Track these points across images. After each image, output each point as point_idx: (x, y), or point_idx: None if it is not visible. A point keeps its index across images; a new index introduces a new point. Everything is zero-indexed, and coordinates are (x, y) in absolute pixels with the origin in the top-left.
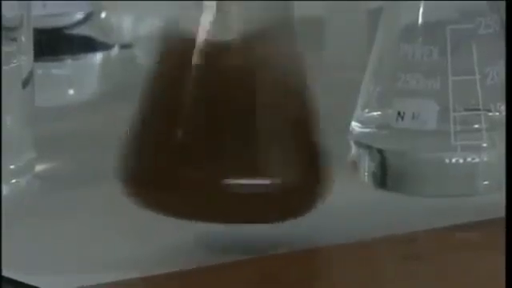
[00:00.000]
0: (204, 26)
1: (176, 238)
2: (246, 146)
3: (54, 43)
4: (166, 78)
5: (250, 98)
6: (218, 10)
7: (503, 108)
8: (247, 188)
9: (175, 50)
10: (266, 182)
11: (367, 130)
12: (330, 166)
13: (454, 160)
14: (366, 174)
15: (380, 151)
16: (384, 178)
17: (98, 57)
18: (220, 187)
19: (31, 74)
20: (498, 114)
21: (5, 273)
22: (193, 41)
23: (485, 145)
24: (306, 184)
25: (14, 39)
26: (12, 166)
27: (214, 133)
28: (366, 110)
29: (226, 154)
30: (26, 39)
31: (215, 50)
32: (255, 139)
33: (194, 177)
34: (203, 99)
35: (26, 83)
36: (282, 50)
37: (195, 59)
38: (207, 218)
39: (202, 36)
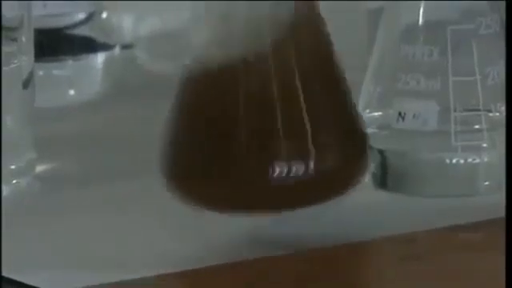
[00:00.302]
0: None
1: (179, 240)
2: (285, 133)
3: (54, 44)
4: (204, 79)
5: (287, 87)
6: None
7: (504, 108)
8: (287, 176)
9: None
10: (306, 167)
11: (368, 130)
12: (367, 147)
13: (454, 160)
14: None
15: (380, 151)
16: (384, 178)
17: (99, 57)
18: (261, 178)
19: (32, 74)
20: (498, 114)
21: (5, 273)
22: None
23: (485, 145)
24: (345, 166)
25: (15, 39)
26: (13, 167)
27: (252, 126)
28: (367, 111)
29: (265, 144)
30: (26, 39)
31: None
32: (293, 127)
33: (235, 169)
34: (241, 95)
35: (26, 84)
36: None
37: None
38: (249, 210)
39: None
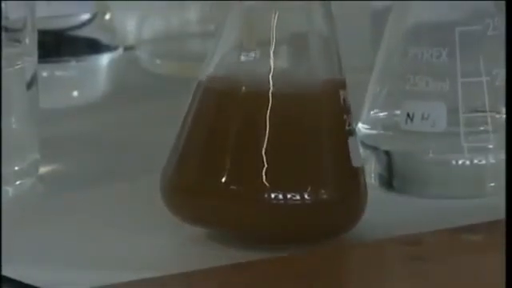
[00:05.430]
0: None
1: (185, 237)
2: (288, 160)
3: (58, 45)
4: (213, 103)
5: (290, 119)
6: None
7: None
8: (288, 201)
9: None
10: (307, 196)
11: (374, 131)
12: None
13: (460, 162)
14: (373, 175)
15: (387, 153)
16: (390, 179)
17: (102, 59)
18: (261, 200)
19: (35, 75)
20: (505, 115)
21: (8, 273)
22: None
23: (491, 146)
24: (345, 200)
25: (18, 41)
26: (16, 168)
27: (256, 149)
28: (373, 112)
29: (266, 168)
30: (30, 41)
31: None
32: (297, 156)
33: (235, 190)
34: (247, 121)
35: (30, 85)
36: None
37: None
38: (249, 231)
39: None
